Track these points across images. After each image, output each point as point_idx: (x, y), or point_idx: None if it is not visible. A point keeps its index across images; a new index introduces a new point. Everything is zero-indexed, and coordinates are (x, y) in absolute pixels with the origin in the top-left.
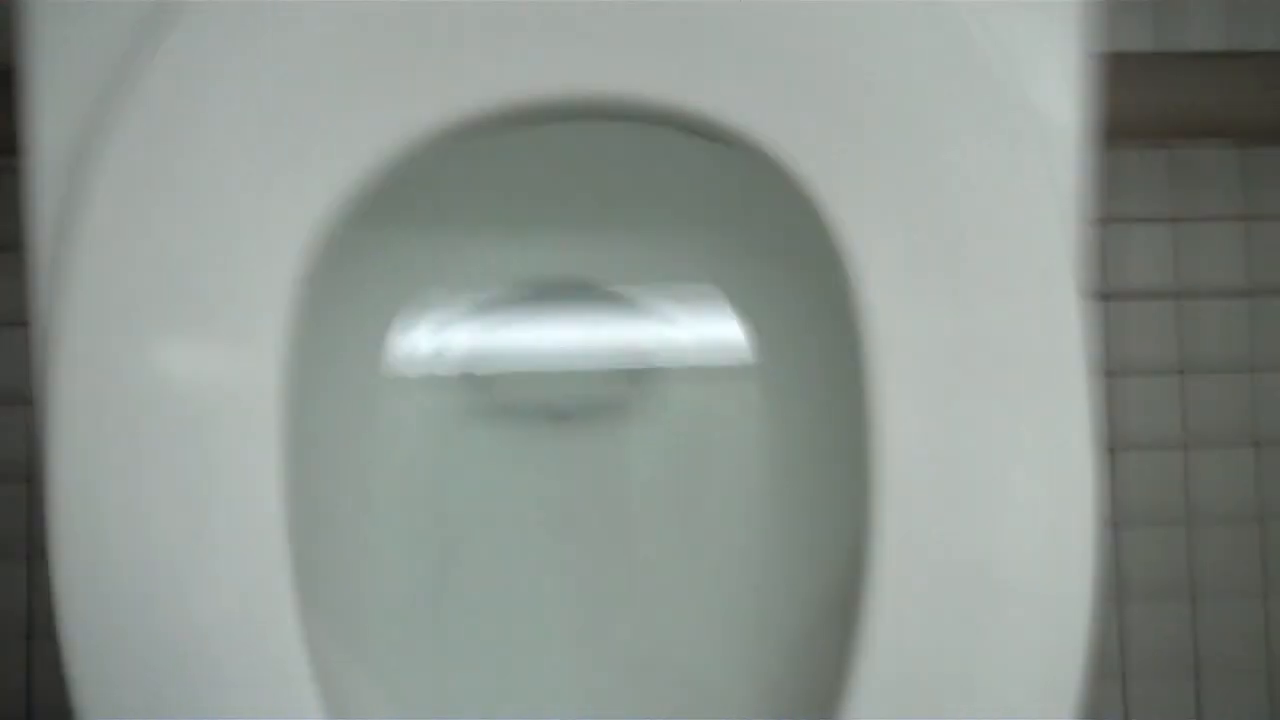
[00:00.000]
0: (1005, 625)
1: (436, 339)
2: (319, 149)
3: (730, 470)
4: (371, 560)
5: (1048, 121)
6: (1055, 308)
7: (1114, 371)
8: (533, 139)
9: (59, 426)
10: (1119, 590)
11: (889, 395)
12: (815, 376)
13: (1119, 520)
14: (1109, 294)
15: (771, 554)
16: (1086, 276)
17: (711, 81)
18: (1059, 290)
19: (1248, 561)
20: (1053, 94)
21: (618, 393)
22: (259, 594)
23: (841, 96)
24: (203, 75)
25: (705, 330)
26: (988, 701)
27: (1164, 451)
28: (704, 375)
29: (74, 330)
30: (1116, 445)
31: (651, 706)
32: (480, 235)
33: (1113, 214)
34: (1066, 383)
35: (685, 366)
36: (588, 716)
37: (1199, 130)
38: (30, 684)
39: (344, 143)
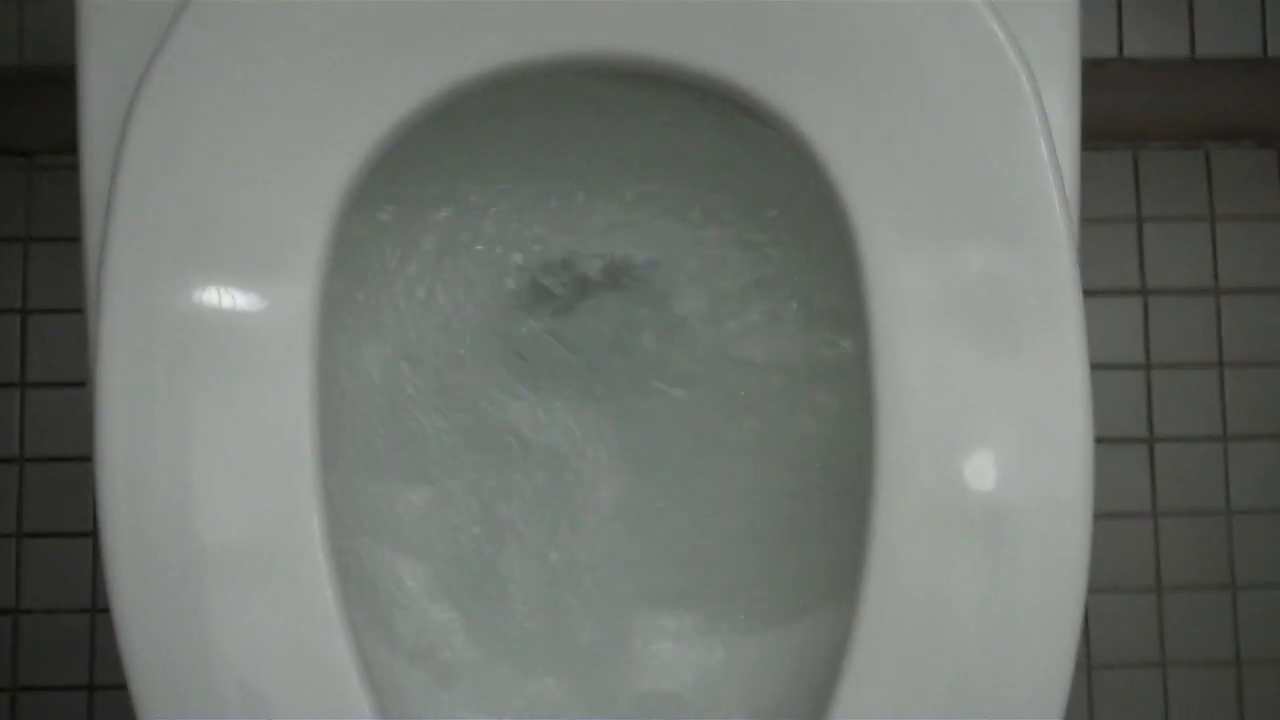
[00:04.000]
0: (1009, 560)
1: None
2: (354, 98)
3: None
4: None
5: (1039, 64)
6: (1048, 251)
7: (1153, 365)
8: (549, 111)
9: (107, 367)
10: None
11: (889, 341)
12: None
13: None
14: (1148, 290)
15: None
16: (1078, 215)
17: (722, 45)
18: (1051, 235)
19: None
20: (1043, 34)
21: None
22: (287, 520)
23: (836, 49)
24: (238, 26)
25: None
26: (991, 625)
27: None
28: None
29: (119, 278)
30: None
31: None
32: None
33: (1148, 214)
34: (1060, 322)
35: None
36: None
37: (1230, 133)
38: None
39: (377, 93)
